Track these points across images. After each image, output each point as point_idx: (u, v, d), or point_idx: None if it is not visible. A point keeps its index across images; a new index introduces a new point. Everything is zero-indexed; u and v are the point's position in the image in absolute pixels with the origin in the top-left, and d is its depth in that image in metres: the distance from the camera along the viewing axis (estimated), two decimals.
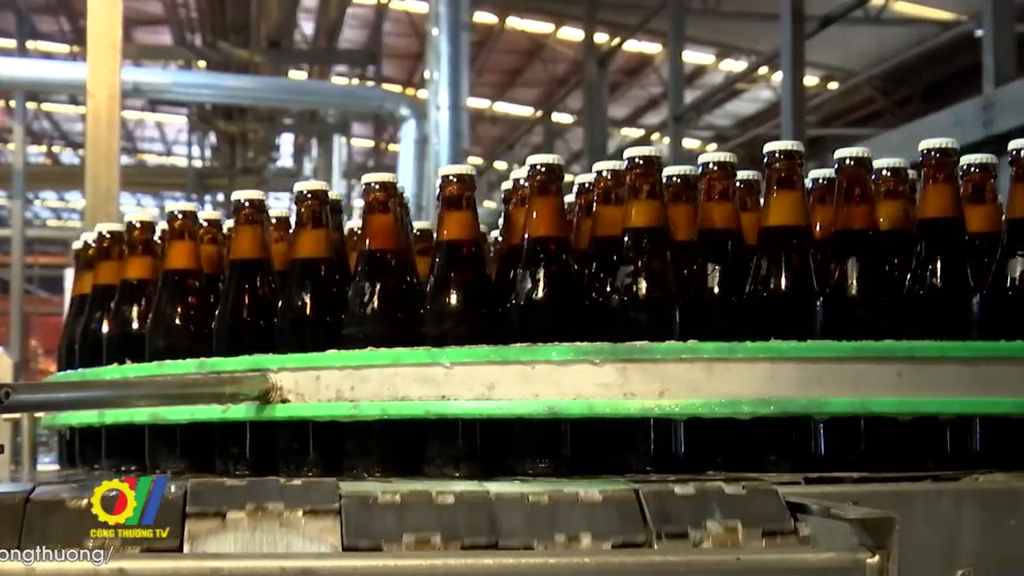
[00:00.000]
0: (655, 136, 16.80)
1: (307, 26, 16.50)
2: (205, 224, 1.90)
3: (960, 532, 1.41)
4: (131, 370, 1.80)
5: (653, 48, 15.25)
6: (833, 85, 14.59)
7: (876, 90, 14.40)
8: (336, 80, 17.18)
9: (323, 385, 1.58)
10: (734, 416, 1.49)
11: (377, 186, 1.68)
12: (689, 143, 16.59)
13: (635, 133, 18.14)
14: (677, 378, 1.47)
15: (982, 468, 1.52)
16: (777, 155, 1.63)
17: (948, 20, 12.00)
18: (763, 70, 13.64)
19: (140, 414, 1.74)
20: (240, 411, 1.62)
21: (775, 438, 1.55)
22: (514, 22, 15.74)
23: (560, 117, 18.52)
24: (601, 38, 13.96)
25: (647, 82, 16.70)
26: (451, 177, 1.67)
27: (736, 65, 14.87)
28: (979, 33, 7.60)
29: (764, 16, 11.00)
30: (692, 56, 14.91)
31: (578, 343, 1.50)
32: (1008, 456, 1.56)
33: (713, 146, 16.44)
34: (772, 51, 10.62)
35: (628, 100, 17.65)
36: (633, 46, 15.00)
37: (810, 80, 13.75)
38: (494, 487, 1.28)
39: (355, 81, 16.75)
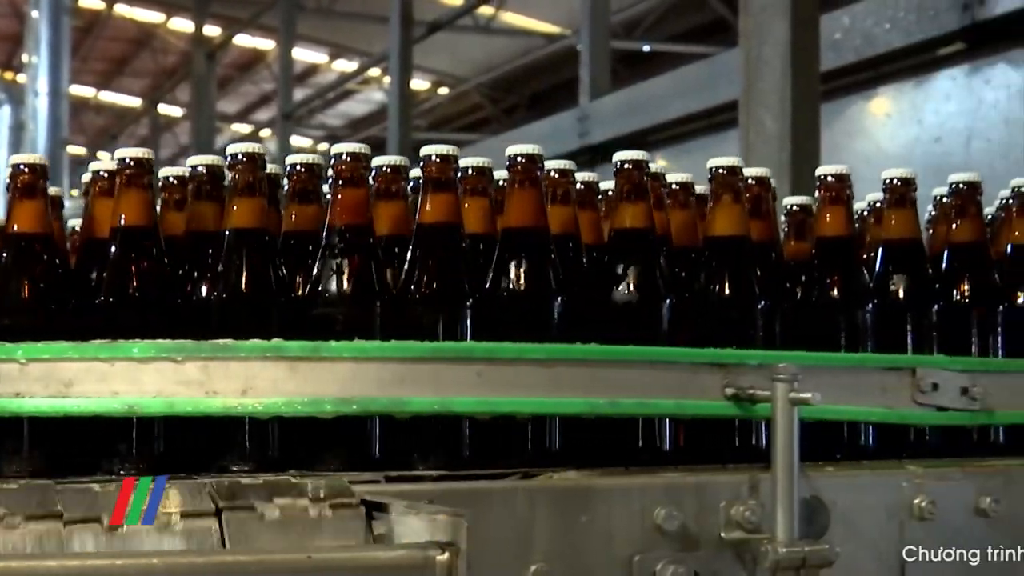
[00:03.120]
0: (264, 133, 16.70)
1: None
2: None
3: (534, 529, 1.46)
4: None
5: (266, 44, 15.13)
6: (444, 90, 14.87)
7: (485, 97, 14.77)
8: None
9: None
10: (317, 415, 1.49)
11: None
12: (301, 141, 16.55)
13: (245, 129, 17.98)
14: (261, 377, 1.45)
15: (558, 466, 1.57)
16: (433, 158, 1.64)
17: (553, 33, 12.43)
18: (375, 72, 13.76)
19: None
20: None
21: (359, 437, 1.57)
22: (122, 9, 15.32)
23: (169, 110, 18.15)
24: (213, 31, 13.78)
25: (259, 78, 16.57)
26: (22, 167, 1.62)
27: (349, 66, 14.96)
28: (580, 47, 7.91)
29: (377, 19, 11.10)
30: (305, 55, 14.88)
31: (160, 340, 1.47)
32: (582, 455, 1.63)
33: (324, 145, 16.47)
34: (382, 53, 10.72)
35: (239, 96, 17.46)
36: (245, 41, 14.86)
37: (421, 84, 13.98)
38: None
39: None
